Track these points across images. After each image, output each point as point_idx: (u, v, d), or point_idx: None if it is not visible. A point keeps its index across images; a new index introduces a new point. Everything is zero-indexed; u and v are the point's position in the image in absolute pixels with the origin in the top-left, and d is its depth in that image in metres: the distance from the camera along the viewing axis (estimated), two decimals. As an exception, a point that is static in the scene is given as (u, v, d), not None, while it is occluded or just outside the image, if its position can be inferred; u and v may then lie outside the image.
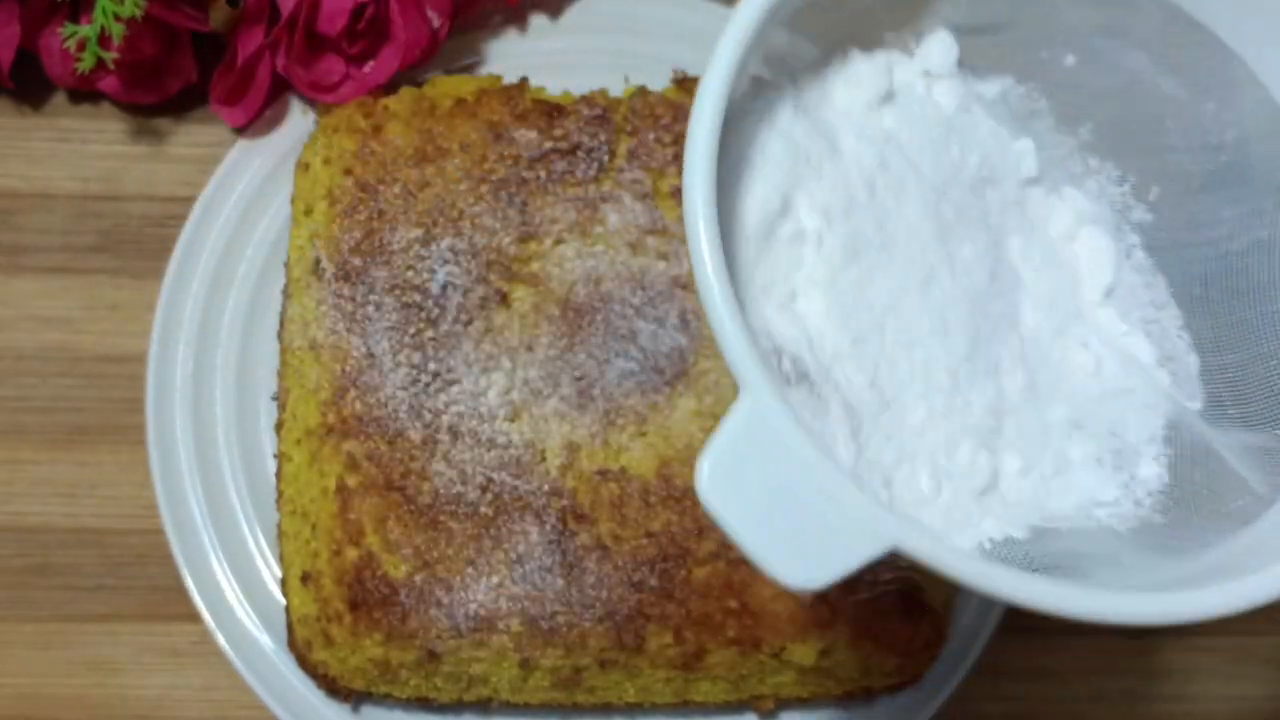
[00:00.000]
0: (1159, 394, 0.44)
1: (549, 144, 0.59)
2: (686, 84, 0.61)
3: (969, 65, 0.46)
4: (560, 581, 0.53)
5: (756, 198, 0.40)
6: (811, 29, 0.43)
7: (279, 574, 0.58)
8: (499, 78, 0.62)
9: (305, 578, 0.54)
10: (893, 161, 0.43)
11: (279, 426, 0.57)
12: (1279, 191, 0.43)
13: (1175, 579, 0.38)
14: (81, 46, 0.57)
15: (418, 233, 0.57)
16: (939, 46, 0.45)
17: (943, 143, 0.44)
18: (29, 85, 0.64)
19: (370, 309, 0.56)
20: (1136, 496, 0.43)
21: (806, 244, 0.41)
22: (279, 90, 0.63)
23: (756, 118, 0.42)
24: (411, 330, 0.56)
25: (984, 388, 0.43)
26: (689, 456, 0.56)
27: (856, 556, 0.35)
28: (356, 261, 0.57)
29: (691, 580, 0.54)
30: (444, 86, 0.61)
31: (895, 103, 0.45)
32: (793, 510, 0.35)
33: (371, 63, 0.61)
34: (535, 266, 0.58)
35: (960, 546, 0.39)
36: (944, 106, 0.45)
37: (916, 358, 0.42)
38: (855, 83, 0.44)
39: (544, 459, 0.55)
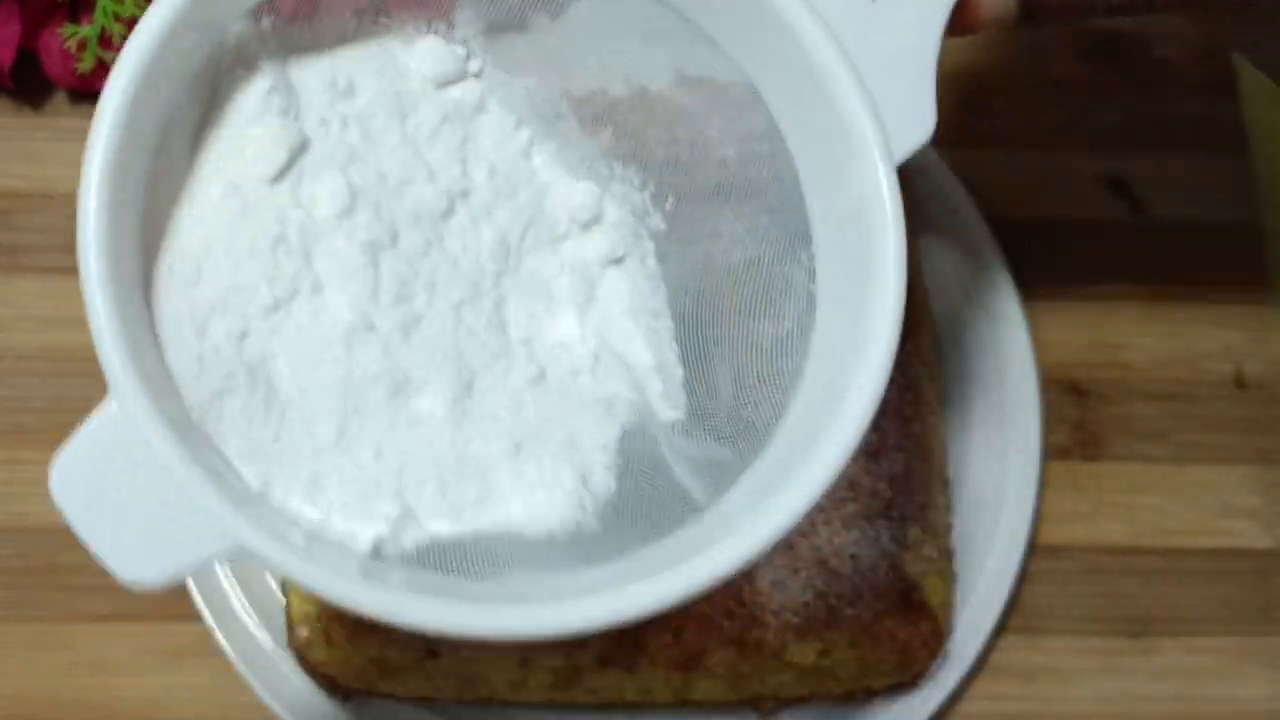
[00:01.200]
0: (630, 402, 0.44)
1: (549, 144, 0.59)
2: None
3: (496, 62, 0.47)
4: (560, 581, 0.53)
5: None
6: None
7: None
8: (499, 78, 0.62)
9: (305, 577, 0.54)
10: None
11: (279, 426, 0.57)
12: (771, 212, 0.44)
13: (584, 588, 0.39)
14: (82, 46, 0.58)
15: (418, 233, 0.57)
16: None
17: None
18: (29, 85, 0.64)
19: (370, 309, 0.56)
20: (581, 503, 0.42)
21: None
22: (279, 90, 0.63)
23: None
24: (411, 330, 0.56)
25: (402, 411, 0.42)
26: (688, 456, 0.56)
27: (200, 551, 0.36)
28: (356, 261, 0.57)
29: (691, 580, 0.54)
30: (444, 86, 0.61)
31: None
32: (143, 509, 0.36)
33: (371, 63, 0.61)
34: (535, 266, 0.58)
35: (301, 548, 0.38)
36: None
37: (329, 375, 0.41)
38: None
39: (544, 459, 0.55)
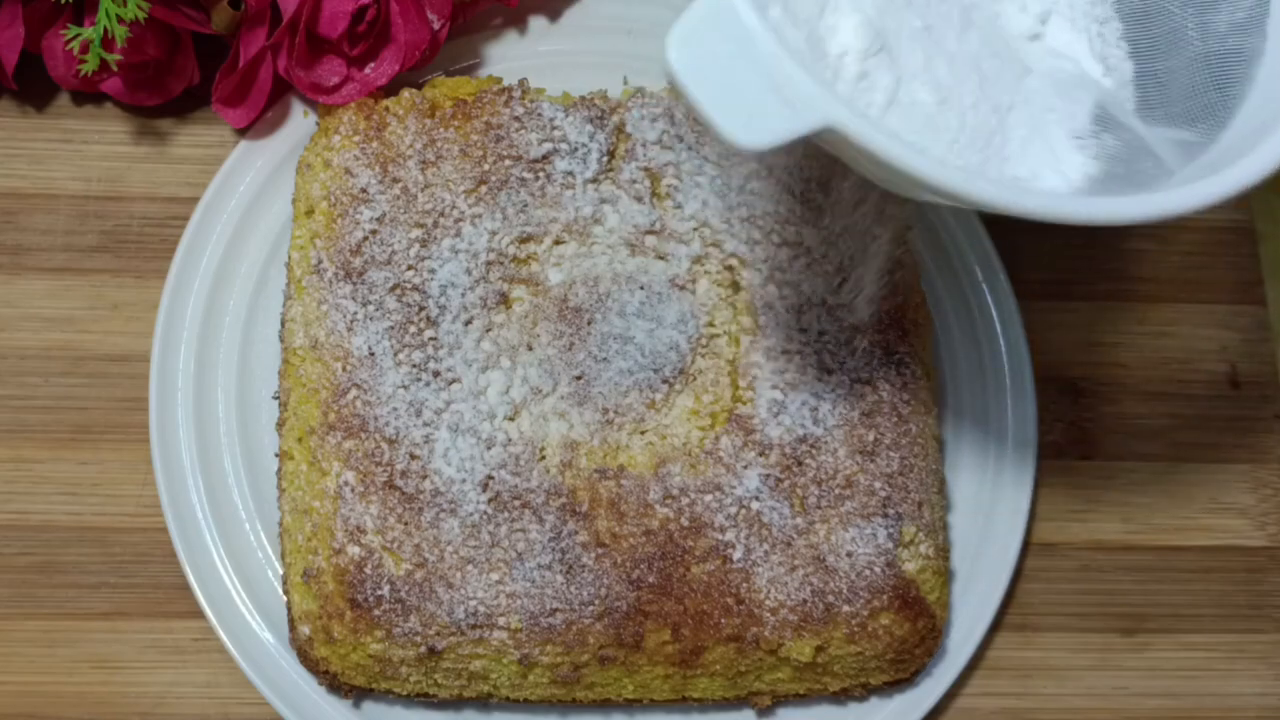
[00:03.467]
0: (1093, 84, 0.49)
1: (548, 145, 0.59)
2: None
3: None
4: (559, 579, 0.54)
5: None
6: None
7: (280, 571, 0.58)
8: (499, 79, 0.62)
9: (307, 575, 0.55)
10: None
11: (280, 425, 0.58)
12: None
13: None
14: (85, 48, 0.58)
15: (418, 233, 0.57)
16: None
17: None
18: (33, 87, 0.64)
19: (371, 309, 0.56)
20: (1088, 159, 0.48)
21: None
22: (280, 92, 0.63)
23: None
24: (412, 330, 0.56)
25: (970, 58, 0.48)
26: (686, 455, 0.56)
27: (798, 125, 0.40)
28: (357, 262, 0.57)
29: (689, 578, 0.54)
30: (444, 88, 0.61)
31: None
32: (746, 84, 0.40)
33: (372, 64, 0.61)
34: (535, 266, 0.58)
35: (891, 129, 0.43)
36: None
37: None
38: None
39: (543, 457, 0.56)
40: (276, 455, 0.58)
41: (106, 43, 0.58)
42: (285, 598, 0.57)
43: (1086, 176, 0.47)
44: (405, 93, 0.60)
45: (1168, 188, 0.43)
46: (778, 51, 0.40)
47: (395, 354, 0.56)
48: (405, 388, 0.55)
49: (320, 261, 0.57)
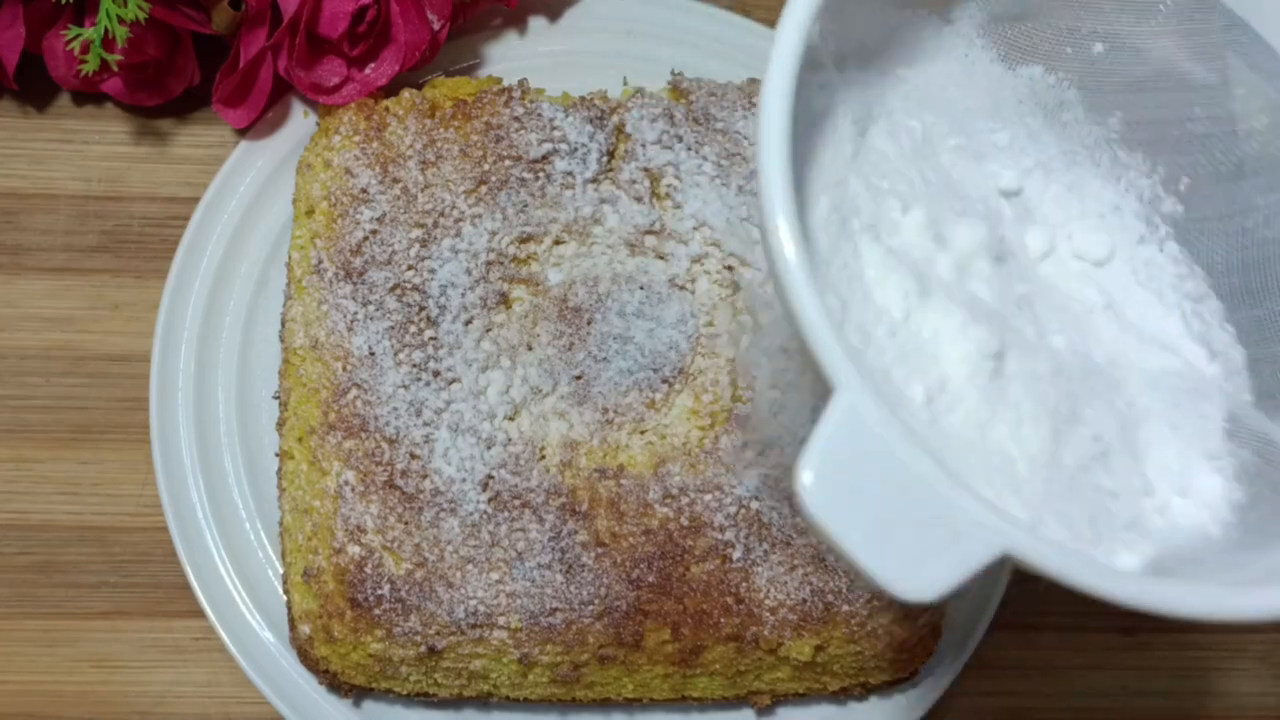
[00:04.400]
0: (1214, 389, 0.43)
1: (548, 145, 0.59)
2: (683, 85, 0.61)
3: (1001, 54, 0.46)
4: (559, 578, 0.54)
5: (825, 191, 0.40)
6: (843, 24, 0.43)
7: (281, 570, 0.58)
8: (499, 79, 0.62)
9: (307, 574, 0.55)
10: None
11: (280, 425, 0.58)
12: None
13: (1259, 575, 0.37)
14: (85, 49, 0.58)
15: (418, 233, 0.58)
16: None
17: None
18: (33, 87, 0.65)
19: (371, 309, 0.56)
20: (1216, 503, 0.41)
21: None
22: (281, 92, 0.63)
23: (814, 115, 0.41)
24: (412, 330, 0.56)
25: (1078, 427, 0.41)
26: (686, 455, 0.56)
27: (971, 562, 0.33)
28: (357, 261, 0.57)
29: (689, 577, 0.54)
30: (444, 88, 0.61)
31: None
32: (900, 516, 0.33)
33: (372, 65, 0.61)
34: (535, 266, 0.58)
35: (1078, 550, 0.37)
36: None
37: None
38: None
39: (543, 457, 0.56)
40: (277, 455, 0.58)
41: (107, 43, 0.58)
42: (285, 597, 0.57)
43: (1232, 505, 0.40)
44: (405, 93, 0.60)
45: None
46: (937, 473, 0.33)
47: (395, 354, 0.56)
48: (405, 387, 0.55)
49: (320, 261, 0.57)
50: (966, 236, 0.42)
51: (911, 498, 0.33)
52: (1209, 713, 0.62)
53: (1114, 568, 0.36)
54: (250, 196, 0.63)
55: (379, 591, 0.53)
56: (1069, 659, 0.62)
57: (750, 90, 0.61)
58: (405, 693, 0.57)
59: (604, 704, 0.58)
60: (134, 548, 0.60)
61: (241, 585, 0.59)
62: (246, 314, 0.62)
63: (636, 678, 0.56)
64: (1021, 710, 0.62)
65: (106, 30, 0.57)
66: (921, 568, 0.33)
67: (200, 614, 0.58)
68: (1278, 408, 0.42)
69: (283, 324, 0.59)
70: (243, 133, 0.63)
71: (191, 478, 0.60)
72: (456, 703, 0.58)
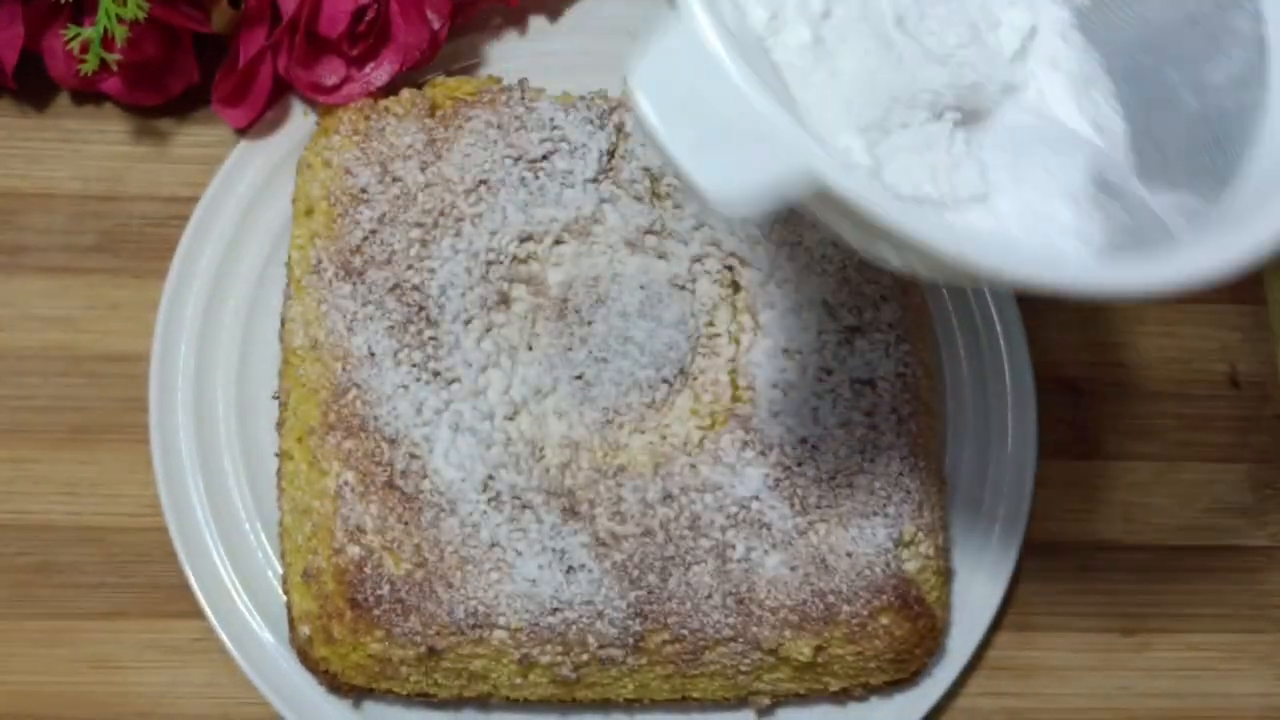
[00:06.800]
0: (1089, 145, 0.46)
1: (548, 144, 0.59)
2: None
3: None
4: (559, 579, 0.54)
5: None
6: None
7: (280, 571, 0.58)
8: (499, 79, 0.62)
9: (306, 575, 0.55)
10: None
11: (280, 425, 0.58)
12: None
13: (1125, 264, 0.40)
14: (84, 48, 0.58)
15: (418, 233, 0.57)
16: None
17: None
18: (32, 86, 0.64)
19: (371, 308, 0.56)
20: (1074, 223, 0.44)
21: None
22: (280, 91, 0.63)
23: None
24: (412, 329, 0.56)
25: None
26: (686, 455, 0.56)
27: (776, 180, 0.35)
28: (357, 261, 0.57)
29: (689, 577, 0.54)
30: (444, 88, 0.61)
31: None
32: (723, 131, 0.35)
33: (372, 64, 0.61)
34: (535, 266, 0.58)
35: (880, 183, 0.39)
36: None
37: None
38: None
39: (543, 457, 0.56)
40: (276, 455, 0.58)
41: (106, 42, 0.58)
42: (285, 598, 0.57)
43: (1088, 241, 0.43)
44: (405, 92, 0.60)
45: (1179, 252, 0.39)
46: (763, 94, 0.35)
47: (395, 354, 0.56)
48: (405, 387, 0.55)
49: (320, 261, 0.57)
50: None
51: (736, 113, 0.35)
52: (1210, 713, 0.62)
53: (906, 201, 0.38)
54: (249, 196, 0.62)
55: (379, 592, 0.53)
56: (1069, 660, 0.62)
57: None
58: (405, 693, 0.57)
59: (604, 705, 0.58)
60: (133, 548, 0.60)
61: (241, 586, 0.59)
62: (246, 314, 0.62)
63: (637, 678, 0.56)
64: (1021, 711, 0.62)
65: (105, 29, 0.57)
66: (735, 181, 0.35)
67: (200, 615, 0.58)
68: (1150, 179, 0.45)
69: (282, 324, 0.59)
70: (242, 132, 0.63)
71: (191, 478, 0.59)
72: (456, 703, 0.58)
